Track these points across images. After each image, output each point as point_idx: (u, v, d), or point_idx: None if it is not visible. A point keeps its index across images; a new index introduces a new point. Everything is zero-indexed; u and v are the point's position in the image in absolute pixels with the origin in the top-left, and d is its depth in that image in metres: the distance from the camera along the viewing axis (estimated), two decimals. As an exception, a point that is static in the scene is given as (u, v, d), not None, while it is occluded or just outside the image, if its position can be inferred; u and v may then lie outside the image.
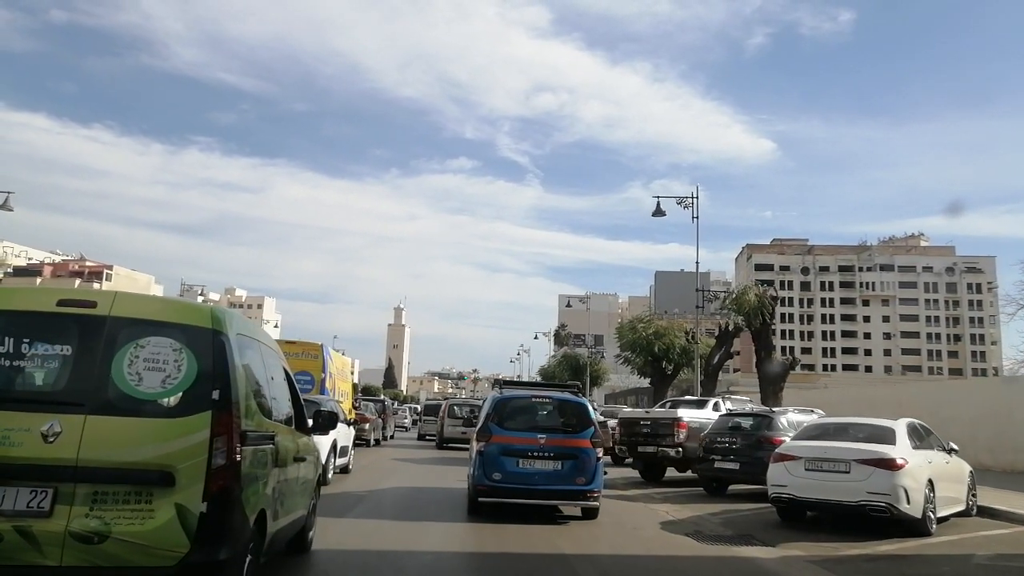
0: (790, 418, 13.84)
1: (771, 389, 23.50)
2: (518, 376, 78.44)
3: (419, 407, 44.94)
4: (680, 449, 15.63)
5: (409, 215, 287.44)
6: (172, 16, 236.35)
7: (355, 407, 25.89)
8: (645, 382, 70.43)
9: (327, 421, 7.25)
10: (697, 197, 28.96)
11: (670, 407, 17.80)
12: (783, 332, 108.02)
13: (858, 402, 25.31)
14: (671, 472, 17.24)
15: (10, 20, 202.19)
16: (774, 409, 14.05)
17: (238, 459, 4.40)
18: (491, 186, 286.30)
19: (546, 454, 10.28)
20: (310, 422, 7.02)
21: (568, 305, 58.31)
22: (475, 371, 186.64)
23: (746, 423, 14.26)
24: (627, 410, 19.08)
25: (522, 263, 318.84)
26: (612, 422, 28.71)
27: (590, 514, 10.65)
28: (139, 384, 4.31)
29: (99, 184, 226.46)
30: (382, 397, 43.29)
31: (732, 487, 14.51)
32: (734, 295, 25.56)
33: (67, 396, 4.26)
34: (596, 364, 58.50)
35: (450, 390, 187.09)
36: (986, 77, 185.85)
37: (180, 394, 4.34)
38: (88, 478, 4.10)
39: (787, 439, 13.18)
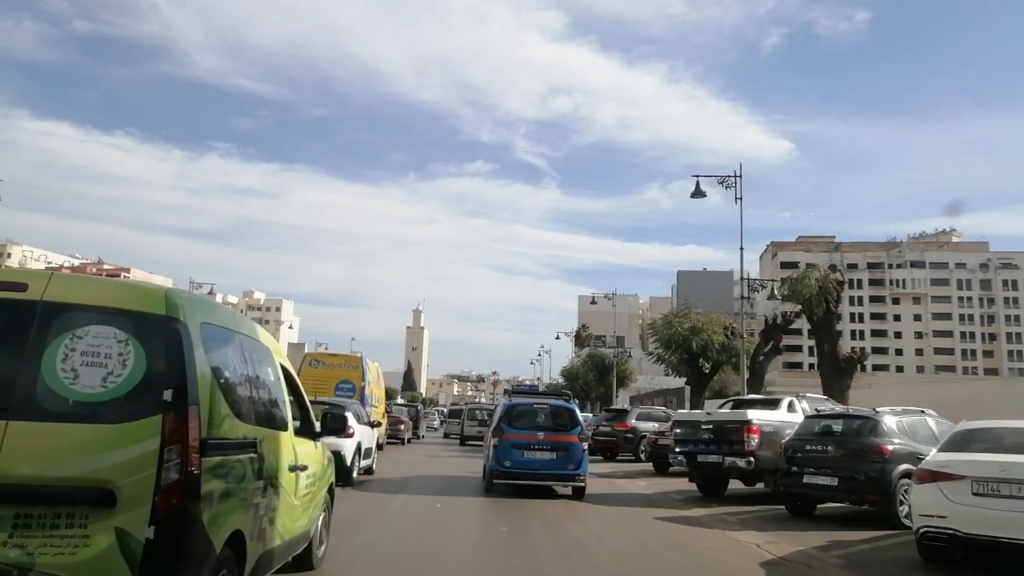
0: (900, 421, 11.03)
1: (836, 387, 20.55)
2: (538, 379, 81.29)
3: (445, 410, 54.15)
4: (752, 459, 12.84)
5: (426, 219, 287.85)
6: (192, 25, 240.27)
7: (388, 411, 27.90)
8: (675, 382, 67.45)
9: (337, 423, 6.81)
10: (740, 176, 26.31)
11: (732, 407, 15.01)
12: (809, 331, 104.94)
13: (926, 403, 22.26)
14: (733, 484, 14.48)
15: (36, 32, 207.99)
16: (877, 409, 11.26)
17: (196, 472, 3.63)
18: (508, 189, 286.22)
19: (544, 447, 13.07)
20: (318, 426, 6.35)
21: (593, 302, 55.21)
22: (495, 373, 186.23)
23: (841, 427, 11.47)
24: (683, 412, 16.27)
25: (539, 266, 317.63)
26: (651, 426, 25.99)
27: (578, 493, 13.16)
28: (74, 383, 3.57)
29: (121, 190, 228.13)
30: (416, 403, 48.22)
31: (821, 506, 11.77)
32: (791, 280, 22.56)
33: None
34: (623, 364, 55.56)
35: (469, 392, 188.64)
36: (1004, 74, 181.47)
37: (124, 394, 3.58)
38: (8, 497, 3.36)
39: (895, 446, 10.48)
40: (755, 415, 13.31)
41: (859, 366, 22.01)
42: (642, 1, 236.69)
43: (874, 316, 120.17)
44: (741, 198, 26.13)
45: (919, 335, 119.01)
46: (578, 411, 14.26)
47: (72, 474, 3.41)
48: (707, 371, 34.68)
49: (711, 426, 13.67)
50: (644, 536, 9.71)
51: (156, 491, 3.45)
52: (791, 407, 14.16)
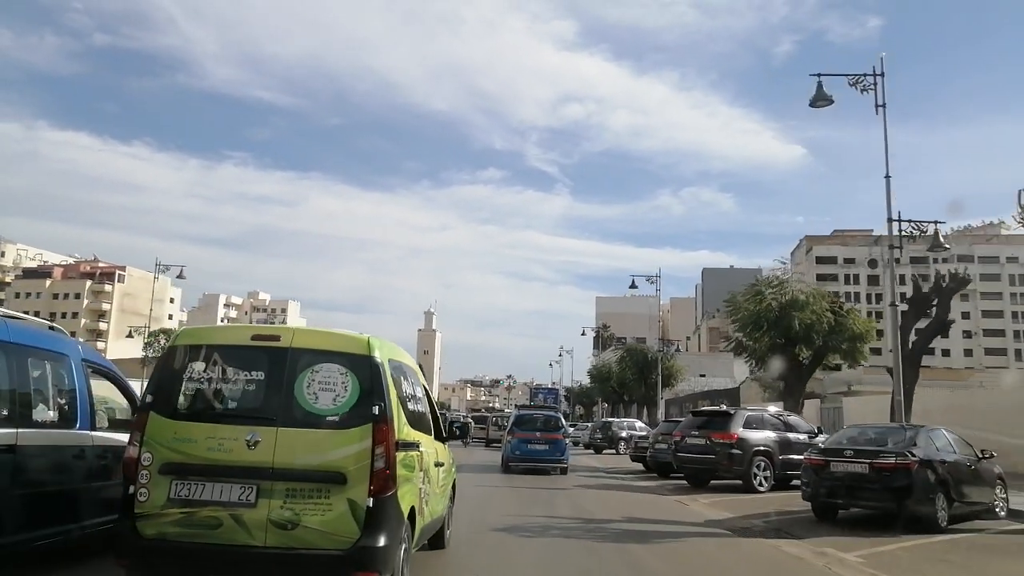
0: None
1: None
2: (554, 383, 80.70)
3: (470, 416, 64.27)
4: None
5: (440, 225, 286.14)
6: (210, 38, 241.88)
7: None
8: (722, 382, 58.42)
9: (462, 431, 11.75)
10: (883, 74, 18.30)
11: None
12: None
13: None
14: None
15: (58, 45, 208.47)
16: None
17: (394, 463, 5.27)
18: (520, 196, 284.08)
19: (540, 442, 21.29)
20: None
21: (633, 286, 46.70)
22: (509, 377, 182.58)
23: None
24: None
25: (552, 272, 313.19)
26: (766, 436, 17.34)
27: (563, 472, 20.83)
28: (316, 402, 5.26)
29: (139, 199, 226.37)
30: (443, 412, 53.16)
31: None
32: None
33: (263, 412, 5.26)
34: (668, 360, 46.87)
35: (483, 397, 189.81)
36: (1018, 79, 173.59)
37: (347, 410, 5.27)
38: (281, 477, 5.05)
39: None
40: None
41: None
42: (655, 10, 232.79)
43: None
44: (884, 104, 18.16)
45: (968, 334, 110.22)
46: (562, 418, 23.70)
47: (319, 462, 5.09)
48: (806, 361, 25.82)
49: None
50: None
51: (371, 475, 5.12)
52: None
